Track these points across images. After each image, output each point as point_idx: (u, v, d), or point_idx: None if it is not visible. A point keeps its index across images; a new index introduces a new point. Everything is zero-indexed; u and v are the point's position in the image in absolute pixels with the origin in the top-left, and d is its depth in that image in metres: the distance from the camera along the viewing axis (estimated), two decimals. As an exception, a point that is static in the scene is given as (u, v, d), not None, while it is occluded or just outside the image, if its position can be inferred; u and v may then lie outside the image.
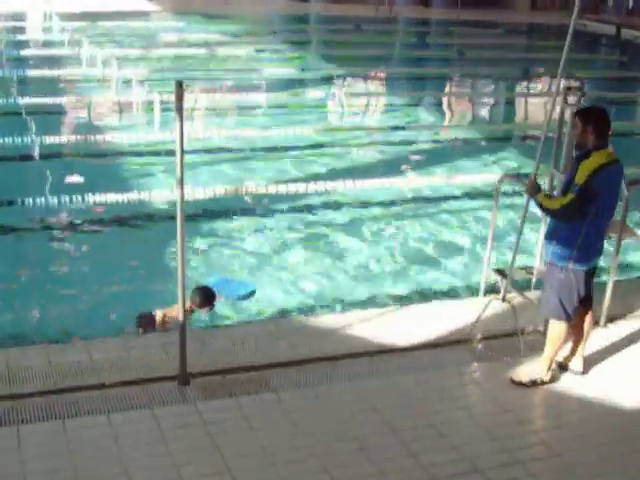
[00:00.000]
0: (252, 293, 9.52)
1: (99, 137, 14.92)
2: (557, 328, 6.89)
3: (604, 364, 7.42)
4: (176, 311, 8.16)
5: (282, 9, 42.24)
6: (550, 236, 6.85)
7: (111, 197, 11.70)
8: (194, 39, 28.17)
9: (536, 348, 7.07)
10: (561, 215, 6.65)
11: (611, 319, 8.21)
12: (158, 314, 8.42)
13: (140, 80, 17.77)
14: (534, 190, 6.85)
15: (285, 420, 6.27)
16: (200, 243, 10.70)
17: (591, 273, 6.93)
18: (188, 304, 8.34)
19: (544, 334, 7.20)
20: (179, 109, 6.07)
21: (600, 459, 6.08)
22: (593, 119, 6.60)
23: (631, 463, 6.05)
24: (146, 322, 8.33)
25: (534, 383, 6.95)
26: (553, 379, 7.04)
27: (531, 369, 7.07)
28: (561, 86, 7.71)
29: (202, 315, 8.66)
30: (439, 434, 6.20)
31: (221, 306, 9.04)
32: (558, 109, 7.96)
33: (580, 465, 5.96)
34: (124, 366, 6.87)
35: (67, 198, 11.72)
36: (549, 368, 7.00)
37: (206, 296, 8.60)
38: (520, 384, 6.95)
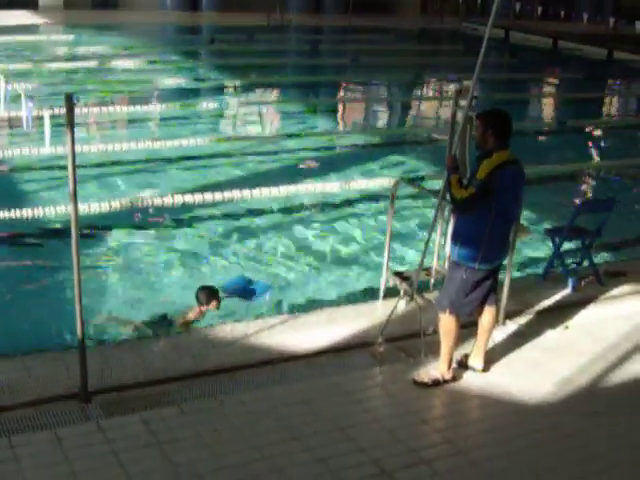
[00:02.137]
0: (266, 290, 9.77)
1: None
2: (446, 322, 7.02)
3: (504, 361, 7.56)
4: (193, 313, 8.75)
5: (174, 20, 41.97)
6: (456, 237, 6.96)
7: (3, 214, 11.39)
8: (84, 52, 27.73)
9: (437, 348, 7.15)
10: (461, 206, 6.82)
11: (509, 316, 8.38)
12: (178, 319, 8.74)
13: (29, 95, 17.36)
14: (452, 166, 6.95)
15: (189, 433, 6.21)
16: (93, 259, 10.50)
17: (495, 271, 7.08)
18: (196, 309, 8.89)
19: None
20: (70, 123, 5.96)
21: (505, 454, 6.20)
22: (492, 122, 6.76)
23: (535, 457, 6.18)
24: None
25: (436, 382, 7.04)
26: (455, 378, 7.14)
27: (432, 369, 7.15)
28: (454, 89, 7.83)
29: (213, 312, 8.95)
30: (346, 438, 6.23)
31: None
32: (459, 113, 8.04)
33: (486, 461, 6.06)
34: (24, 386, 6.71)
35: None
36: (449, 366, 7.10)
37: (208, 293, 8.93)
38: (423, 384, 7.03)
